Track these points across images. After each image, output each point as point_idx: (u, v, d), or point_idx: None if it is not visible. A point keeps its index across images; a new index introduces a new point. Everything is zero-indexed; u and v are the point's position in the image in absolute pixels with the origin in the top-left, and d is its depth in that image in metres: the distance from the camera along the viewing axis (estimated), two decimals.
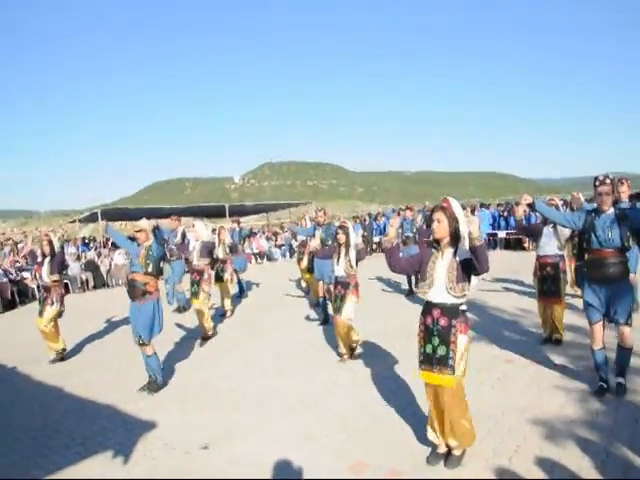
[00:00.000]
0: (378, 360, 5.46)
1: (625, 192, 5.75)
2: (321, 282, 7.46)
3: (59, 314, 6.62)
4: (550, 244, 5.45)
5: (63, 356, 6.66)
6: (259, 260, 18.77)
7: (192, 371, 5.76)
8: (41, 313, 6.49)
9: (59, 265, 6.61)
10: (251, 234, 10.62)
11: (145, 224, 5.19)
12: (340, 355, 5.64)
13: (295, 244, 18.80)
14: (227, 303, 8.80)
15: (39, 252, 6.94)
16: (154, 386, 5.11)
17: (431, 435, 3.28)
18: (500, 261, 12.81)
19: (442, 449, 3.24)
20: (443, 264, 3.11)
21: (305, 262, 9.17)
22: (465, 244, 3.04)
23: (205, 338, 7.04)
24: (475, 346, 5.46)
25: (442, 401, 3.10)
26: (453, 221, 3.07)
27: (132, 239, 5.43)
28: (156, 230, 5.17)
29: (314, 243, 7.45)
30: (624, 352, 4.01)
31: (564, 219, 4.31)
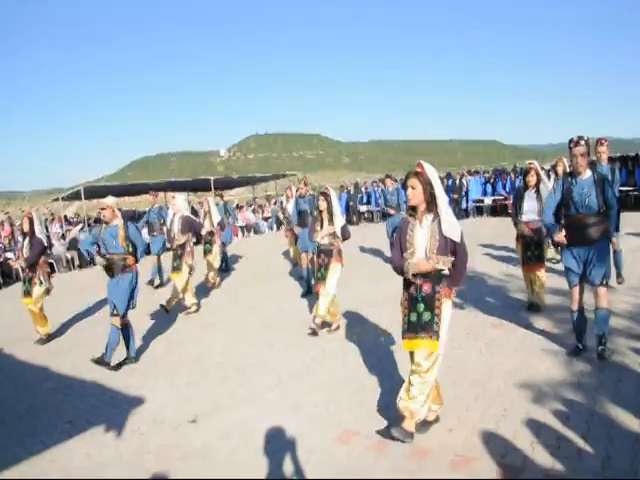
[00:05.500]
0: (365, 328, 5.47)
1: (604, 152, 5.70)
2: (304, 254, 7.44)
3: (47, 292, 6.51)
4: (533, 209, 5.39)
5: (49, 339, 6.56)
6: (246, 233, 18.66)
7: (179, 346, 5.73)
8: (28, 293, 6.36)
9: (38, 249, 6.40)
10: (230, 213, 10.45)
11: (111, 201, 5.16)
12: (328, 325, 5.58)
13: (282, 216, 18.75)
14: (212, 275, 8.76)
15: (19, 231, 6.78)
16: (125, 361, 5.18)
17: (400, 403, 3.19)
18: (486, 227, 12.89)
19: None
20: (422, 232, 3.07)
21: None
22: (445, 217, 3.00)
23: (178, 308, 7.04)
24: (462, 312, 5.51)
25: (425, 365, 3.06)
26: (428, 186, 3.01)
27: (98, 220, 5.43)
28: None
29: (289, 207, 7.60)
30: (601, 313, 3.99)
31: (551, 209, 4.17)
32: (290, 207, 8.67)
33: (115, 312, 5.05)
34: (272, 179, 24.83)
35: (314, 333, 5.43)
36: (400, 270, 3.13)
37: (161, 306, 6.91)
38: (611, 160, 5.75)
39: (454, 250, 3.03)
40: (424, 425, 3.23)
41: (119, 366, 5.13)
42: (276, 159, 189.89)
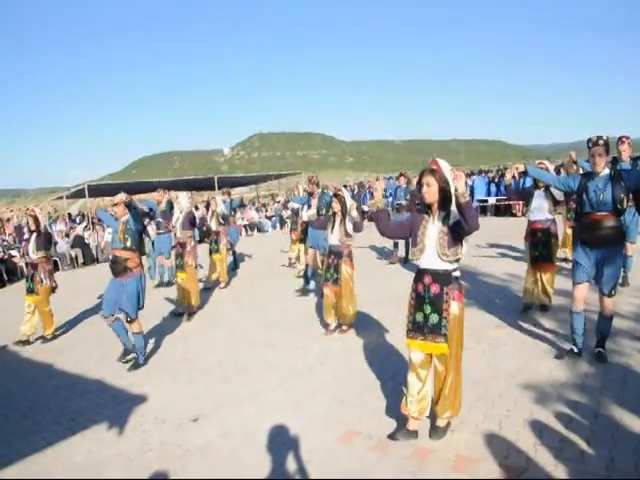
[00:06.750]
0: (370, 329, 5.46)
1: (626, 151, 5.59)
2: (311, 250, 7.45)
3: (52, 290, 6.53)
4: (541, 208, 5.34)
5: (53, 338, 6.57)
6: (249, 232, 18.67)
7: (182, 344, 5.73)
8: (30, 290, 6.39)
9: (45, 241, 6.48)
10: (242, 205, 10.49)
11: (122, 197, 5.12)
12: (325, 327, 5.58)
13: (285, 215, 18.76)
14: (222, 275, 8.73)
15: (25, 228, 6.84)
16: (136, 364, 5.09)
17: (406, 409, 3.17)
18: (490, 227, 12.82)
19: (412, 426, 3.16)
20: (434, 229, 3.02)
21: (298, 232, 9.19)
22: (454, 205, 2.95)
23: (191, 313, 6.96)
24: (465, 312, 5.47)
25: (441, 369, 3.06)
26: (443, 183, 2.96)
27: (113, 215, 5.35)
28: (130, 204, 5.11)
29: (310, 212, 7.31)
30: (605, 320, 3.99)
31: (558, 182, 4.24)
32: (314, 203, 8.20)
33: (129, 319, 5.06)
34: (275, 178, 24.86)
35: (329, 332, 5.50)
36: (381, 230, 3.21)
37: (189, 315, 6.89)
38: (633, 159, 5.62)
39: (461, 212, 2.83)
40: (436, 430, 3.16)
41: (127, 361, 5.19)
42: (279, 158, 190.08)
